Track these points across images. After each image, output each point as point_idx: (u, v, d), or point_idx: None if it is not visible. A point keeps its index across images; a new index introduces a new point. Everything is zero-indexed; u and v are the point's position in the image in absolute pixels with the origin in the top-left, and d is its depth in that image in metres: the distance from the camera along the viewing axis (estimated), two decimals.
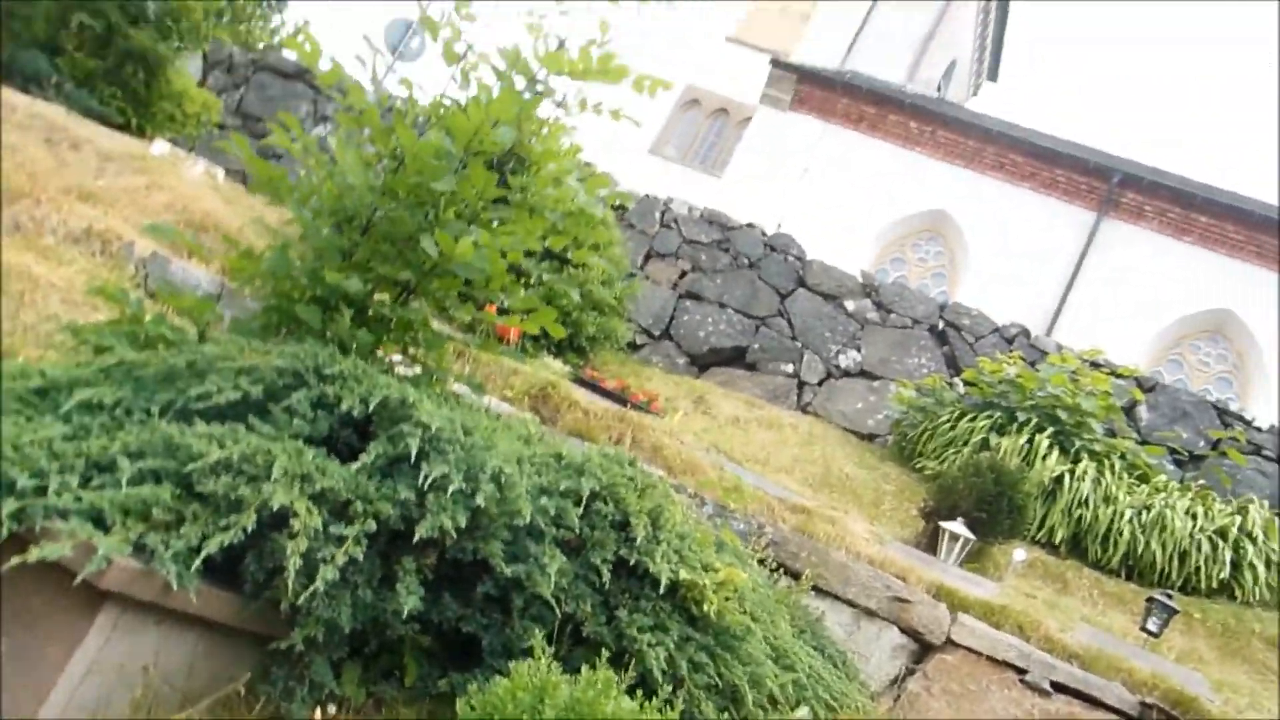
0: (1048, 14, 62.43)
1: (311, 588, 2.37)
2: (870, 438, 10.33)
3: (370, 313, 3.70)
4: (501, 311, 4.42)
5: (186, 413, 2.68)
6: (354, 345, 3.40)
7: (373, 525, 2.59)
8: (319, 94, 12.95)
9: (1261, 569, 8.07)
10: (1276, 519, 8.65)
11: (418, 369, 3.77)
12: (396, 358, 3.79)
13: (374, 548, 2.65)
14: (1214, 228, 16.12)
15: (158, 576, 2.19)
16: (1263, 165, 61.40)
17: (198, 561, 2.26)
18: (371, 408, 2.88)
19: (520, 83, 3.84)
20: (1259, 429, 10.42)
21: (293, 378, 2.88)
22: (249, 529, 2.33)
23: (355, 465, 2.69)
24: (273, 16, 19.30)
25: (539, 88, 3.88)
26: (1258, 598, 7.98)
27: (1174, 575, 7.96)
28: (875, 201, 17.26)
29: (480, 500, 2.78)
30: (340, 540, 2.51)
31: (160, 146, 8.04)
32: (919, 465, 9.06)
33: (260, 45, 17.09)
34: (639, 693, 2.54)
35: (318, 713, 2.14)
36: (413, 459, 2.76)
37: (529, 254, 3.91)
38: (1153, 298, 15.91)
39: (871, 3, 21.47)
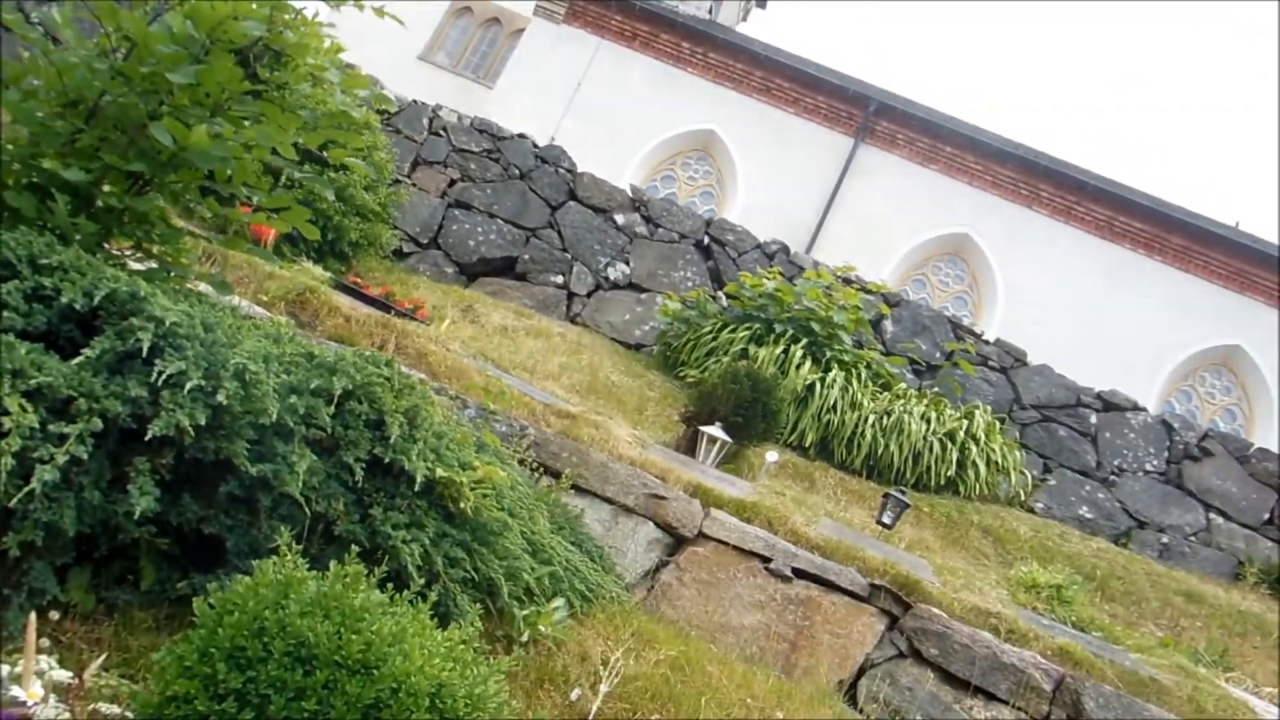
0: None
1: (27, 489, 2.21)
2: (637, 348, 10.60)
3: (99, 204, 3.42)
4: (256, 212, 4.19)
5: None
6: (76, 236, 3.13)
7: (99, 424, 2.43)
8: None
9: (983, 467, 8.94)
10: (997, 423, 9.60)
11: (153, 264, 3.53)
12: (129, 252, 3.53)
13: (103, 448, 2.50)
14: (957, 157, 17.31)
15: None
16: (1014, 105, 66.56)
17: None
18: (97, 301, 2.68)
19: None
20: (987, 342, 11.45)
21: (2, 268, 2.64)
22: None
23: (77, 360, 2.50)
24: None
25: None
26: (978, 493, 8.87)
27: (909, 474, 8.71)
28: (647, 119, 17.43)
29: (222, 398, 2.66)
30: (61, 439, 2.35)
31: None
32: (682, 374, 9.39)
33: None
34: (390, 586, 2.53)
35: (33, 618, 2.01)
36: (145, 354, 2.60)
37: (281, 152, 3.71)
38: (902, 220, 16.99)
39: None
